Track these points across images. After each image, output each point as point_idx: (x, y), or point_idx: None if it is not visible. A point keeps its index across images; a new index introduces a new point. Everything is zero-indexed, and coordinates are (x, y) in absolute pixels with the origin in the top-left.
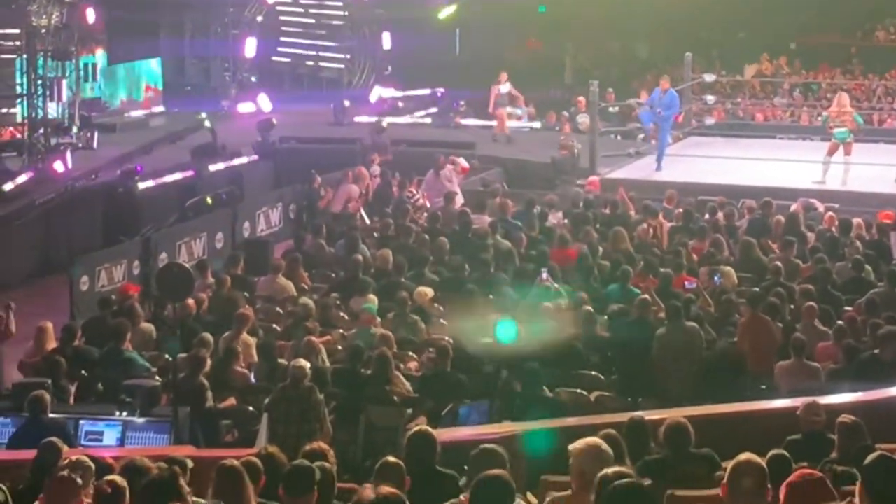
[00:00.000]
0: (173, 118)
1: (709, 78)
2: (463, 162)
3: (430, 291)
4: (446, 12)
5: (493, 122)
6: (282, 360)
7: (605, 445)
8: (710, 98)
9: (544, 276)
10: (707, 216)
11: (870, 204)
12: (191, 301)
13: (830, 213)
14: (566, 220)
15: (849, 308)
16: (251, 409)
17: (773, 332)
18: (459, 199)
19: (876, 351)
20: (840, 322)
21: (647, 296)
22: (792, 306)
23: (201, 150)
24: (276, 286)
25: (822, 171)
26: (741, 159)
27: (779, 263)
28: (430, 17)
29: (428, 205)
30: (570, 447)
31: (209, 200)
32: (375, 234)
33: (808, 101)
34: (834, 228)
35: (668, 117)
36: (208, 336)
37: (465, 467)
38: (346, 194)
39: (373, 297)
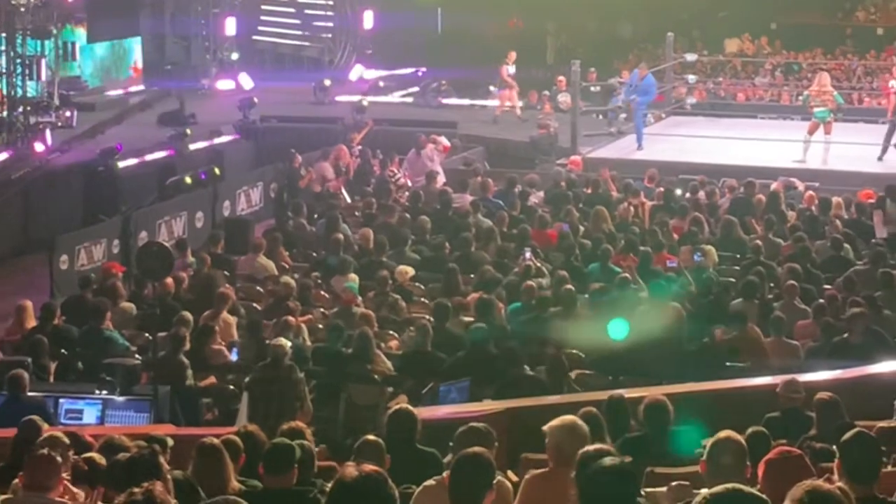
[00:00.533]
0: (152, 96)
1: (690, 58)
2: (444, 141)
3: (410, 270)
4: None
5: (478, 102)
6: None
7: (580, 422)
8: (692, 78)
9: (528, 255)
10: (688, 195)
11: (850, 183)
12: (169, 280)
13: (811, 192)
14: (546, 200)
15: (828, 287)
16: (231, 387)
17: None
18: (441, 179)
19: (846, 335)
20: (820, 300)
21: (627, 274)
22: (772, 284)
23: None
24: (256, 265)
25: (802, 151)
26: (722, 139)
27: (759, 242)
28: None
29: (409, 184)
30: (545, 426)
31: (188, 180)
32: (357, 214)
33: (788, 81)
34: (814, 207)
35: (643, 103)
36: (188, 315)
37: (451, 444)
38: (320, 172)
39: (353, 276)
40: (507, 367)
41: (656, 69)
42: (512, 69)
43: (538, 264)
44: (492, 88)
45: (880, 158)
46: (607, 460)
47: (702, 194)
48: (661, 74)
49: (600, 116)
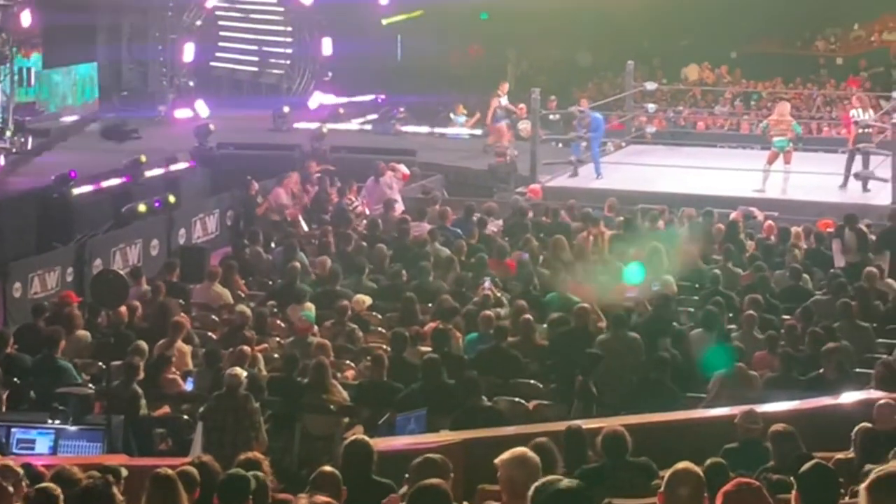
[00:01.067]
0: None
1: (650, 86)
2: (403, 169)
3: (367, 299)
4: (392, 19)
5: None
6: None
7: (530, 453)
8: (652, 106)
9: (487, 284)
10: (647, 224)
11: (809, 212)
12: (123, 308)
13: (770, 221)
14: (505, 229)
15: (787, 316)
16: (186, 417)
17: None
18: (399, 207)
19: (821, 370)
20: (771, 331)
21: (586, 304)
22: (731, 314)
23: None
24: (211, 294)
25: (762, 180)
26: (682, 168)
27: (718, 272)
28: (372, 23)
29: (367, 212)
30: (496, 459)
31: (143, 208)
32: (314, 242)
33: (748, 111)
34: (773, 237)
35: (596, 137)
36: (143, 344)
37: (406, 475)
38: (275, 199)
39: (310, 305)
40: (465, 398)
41: (617, 97)
42: (504, 100)
43: (497, 294)
44: (452, 116)
45: (842, 187)
46: (563, 483)
47: (661, 223)
48: (621, 103)
49: (560, 145)
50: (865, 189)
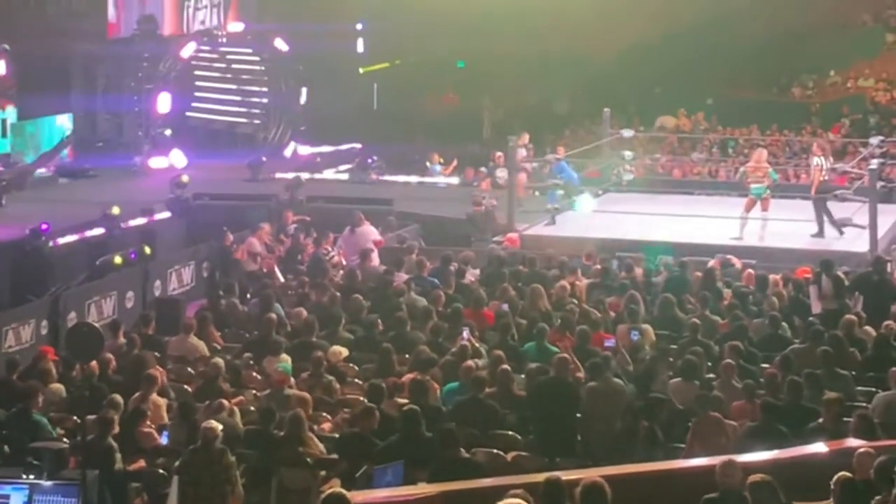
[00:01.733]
0: (84, 174)
1: (626, 134)
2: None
3: (343, 351)
4: (370, 68)
5: (414, 178)
6: None
7: None
8: (629, 154)
9: (465, 335)
10: (624, 273)
11: (787, 260)
12: (93, 362)
13: (749, 269)
14: (482, 278)
15: (766, 365)
16: (161, 471)
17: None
18: (375, 257)
19: (821, 420)
20: (748, 380)
21: (565, 354)
22: (710, 363)
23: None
24: (187, 346)
25: (739, 227)
26: (659, 215)
27: (696, 320)
28: (349, 71)
29: (344, 262)
30: None
31: (118, 260)
32: (290, 293)
33: (725, 159)
34: (751, 285)
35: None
36: (117, 397)
37: None
38: (248, 248)
39: (286, 357)
40: (442, 450)
41: (594, 145)
42: (523, 151)
43: (476, 344)
44: (428, 164)
45: (818, 235)
46: None
47: (638, 272)
48: (597, 150)
49: (537, 193)
50: (841, 234)
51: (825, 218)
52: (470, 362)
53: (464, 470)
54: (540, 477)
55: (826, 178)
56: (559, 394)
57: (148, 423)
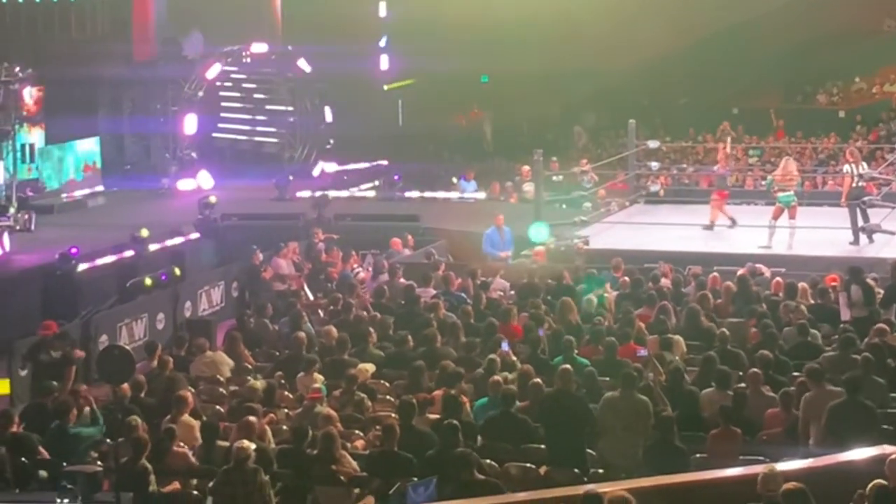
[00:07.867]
0: (112, 197)
1: (653, 144)
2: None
3: (371, 367)
4: (394, 85)
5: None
6: (224, 443)
7: None
8: (655, 164)
9: (505, 347)
10: (651, 283)
11: (816, 267)
12: (125, 385)
13: (777, 277)
14: (512, 292)
15: (797, 373)
16: (195, 492)
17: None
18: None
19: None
20: (786, 389)
21: (591, 368)
22: (741, 373)
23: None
24: (218, 366)
25: (767, 236)
26: (687, 225)
27: (725, 330)
28: (374, 89)
29: (371, 279)
30: None
31: (148, 282)
32: (320, 311)
33: (752, 167)
34: (780, 293)
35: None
36: (135, 419)
37: None
38: (275, 268)
39: (318, 375)
40: (457, 472)
41: (620, 156)
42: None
43: (513, 357)
44: (454, 181)
45: (854, 243)
46: None
47: (667, 282)
48: (624, 162)
49: (564, 206)
50: (870, 241)
51: (860, 223)
52: (497, 377)
53: (481, 492)
54: (572, 490)
55: (857, 184)
56: (563, 406)
57: (181, 443)
